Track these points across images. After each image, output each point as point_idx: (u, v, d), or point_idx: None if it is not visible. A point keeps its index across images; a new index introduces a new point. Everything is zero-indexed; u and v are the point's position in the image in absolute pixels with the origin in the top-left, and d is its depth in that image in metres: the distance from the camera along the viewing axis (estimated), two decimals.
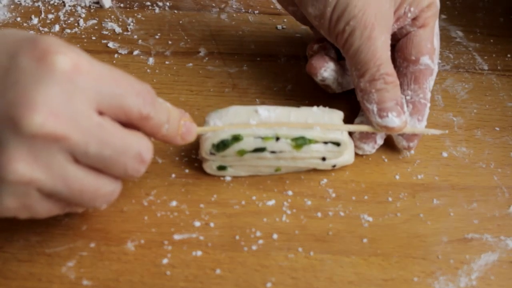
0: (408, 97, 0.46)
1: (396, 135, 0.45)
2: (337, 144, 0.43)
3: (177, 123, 0.38)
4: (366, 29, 0.43)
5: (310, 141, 0.42)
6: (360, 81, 0.44)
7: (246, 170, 0.44)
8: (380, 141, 0.46)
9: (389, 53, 0.44)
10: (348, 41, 0.44)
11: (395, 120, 0.43)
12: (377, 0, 0.43)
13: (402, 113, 0.43)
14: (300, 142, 0.42)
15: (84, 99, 0.32)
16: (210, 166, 0.43)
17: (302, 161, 0.43)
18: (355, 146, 0.45)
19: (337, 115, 0.44)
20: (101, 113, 0.33)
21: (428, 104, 0.46)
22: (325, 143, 0.43)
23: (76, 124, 0.32)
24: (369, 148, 0.45)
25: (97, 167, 0.34)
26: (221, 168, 0.43)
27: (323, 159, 0.43)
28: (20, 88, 0.31)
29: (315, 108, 0.44)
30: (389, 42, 0.44)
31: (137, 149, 0.35)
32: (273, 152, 0.42)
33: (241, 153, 0.42)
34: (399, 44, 0.47)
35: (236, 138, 0.42)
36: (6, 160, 0.31)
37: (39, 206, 0.34)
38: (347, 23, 0.43)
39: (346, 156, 0.44)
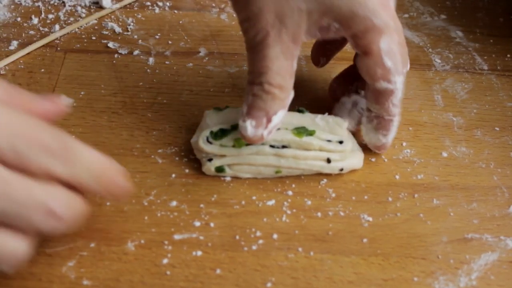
0: (373, 114, 0.44)
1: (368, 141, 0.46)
2: (340, 142, 0.43)
3: (102, 178, 0.35)
4: (258, 35, 0.40)
5: (311, 133, 0.42)
6: (247, 78, 0.42)
7: (245, 171, 0.43)
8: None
9: (286, 63, 0.41)
10: (244, 37, 0.42)
11: (249, 128, 0.40)
12: (280, 6, 0.40)
13: (262, 127, 0.40)
14: (301, 130, 0.42)
15: None
16: (209, 168, 0.43)
17: (305, 162, 0.43)
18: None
19: (340, 125, 0.44)
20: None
21: (395, 118, 0.44)
22: (328, 141, 0.43)
23: None
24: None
25: None
26: (220, 169, 0.43)
27: (328, 161, 0.43)
28: None
29: (318, 118, 0.44)
30: (292, 51, 0.41)
31: (44, 202, 0.32)
32: (272, 146, 0.42)
33: (239, 143, 0.42)
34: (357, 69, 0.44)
35: (235, 127, 0.42)
36: None
37: None
38: (242, 21, 0.41)
39: (355, 160, 0.44)
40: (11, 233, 0.32)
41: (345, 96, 0.47)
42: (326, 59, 0.50)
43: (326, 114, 0.45)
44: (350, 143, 0.44)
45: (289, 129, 0.42)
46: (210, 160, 0.43)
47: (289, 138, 0.42)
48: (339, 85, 0.49)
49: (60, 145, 0.32)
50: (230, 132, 0.43)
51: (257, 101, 0.40)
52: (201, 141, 0.43)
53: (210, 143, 0.43)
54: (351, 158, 0.44)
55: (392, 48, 0.41)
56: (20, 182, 0.31)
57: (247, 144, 0.42)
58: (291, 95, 0.42)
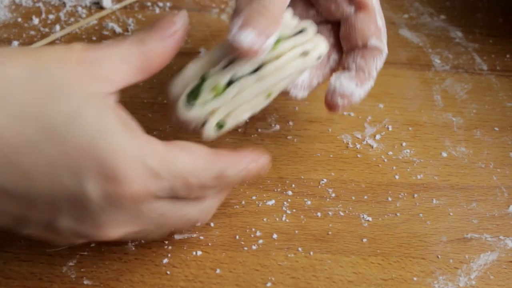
0: (352, 70, 0.42)
1: (331, 89, 0.42)
2: (301, 31, 0.39)
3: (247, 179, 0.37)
4: None
5: (280, 39, 0.38)
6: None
7: (242, 112, 0.39)
8: None
9: (283, 7, 0.38)
10: None
11: (250, 37, 0.36)
12: None
13: (261, 40, 0.36)
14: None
15: (148, 212, 0.33)
16: (209, 133, 0.38)
17: (287, 66, 0.38)
18: None
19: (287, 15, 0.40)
20: None
21: (371, 82, 0.42)
22: (294, 35, 0.39)
23: (142, 222, 0.33)
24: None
25: None
26: (221, 126, 0.38)
27: (305, 54, 0.39)
28: (90, 214, 0.31)
29: None
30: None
31: (195, 221, 0.37)
32: (252, 73, 0.38)
33: (217, 89, 0.37)
34: (342, 32, 0.43)
35: (204, 78, 0.38)
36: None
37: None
38: None
39: (322, 43, 0.40)
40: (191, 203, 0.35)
41: None
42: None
43: None
44: (313, 26, 0.40)
45: None
46: (204, 125, 0.38)
47: (262, 56, 0.38)
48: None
49: (215, 179, 0.34)
50: (203, 83, 0.38)
51: (257, 16, 0.36)
52: (182, 108, 0.37)
53: (192, 105, 0.37)
54: (319, 42, 0.40)
55: (380, 10, 0.43)
56: (176, 212, 0.35)
57: (227, 87, 0.38)
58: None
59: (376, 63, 0.43)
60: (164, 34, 0.35)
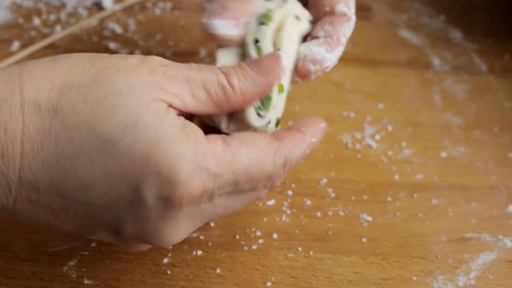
0: (321, 38, 0.41)
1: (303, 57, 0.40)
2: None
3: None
4: None
5: (271, 9, 0.39)
6: None
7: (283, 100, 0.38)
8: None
9: None
10: None
11: (224, 24, 0.37)
12: None
13: (237, 22, 0.37)
14: (264, 16, 0.38)
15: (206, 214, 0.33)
16: (273, 130, 0.37)
17: (292, 34, 0.39)
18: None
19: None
20: None
21: (341, 48, 0.41)
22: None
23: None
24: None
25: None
26: (278, 121, 0.38)
27: (297, 18, 0.40)
28: (150, 224, 0.31)
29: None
30: None
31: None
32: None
33: (282, 87, 0.37)
34: (311, 0, 0.42)
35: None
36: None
37: None
38: None
39: (304, 8, 0.41)
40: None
41: None
42: None
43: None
44: None
45: (253, 26, 0.38)
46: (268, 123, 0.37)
47: (269, 32, 0.38)
48: None
49: (281, 168, 0.34)
50: (272, 91, 0.36)
51: (234, 1, 0.37)
52: (254, 121, 0.36)
53: (260, 115, 0.36)
54: (301, 8, 0.41)
55: None
56: (242, 202, 0.34)
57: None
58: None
59: (344, 30, 0.41)
60: (262, 69, 0.34)
